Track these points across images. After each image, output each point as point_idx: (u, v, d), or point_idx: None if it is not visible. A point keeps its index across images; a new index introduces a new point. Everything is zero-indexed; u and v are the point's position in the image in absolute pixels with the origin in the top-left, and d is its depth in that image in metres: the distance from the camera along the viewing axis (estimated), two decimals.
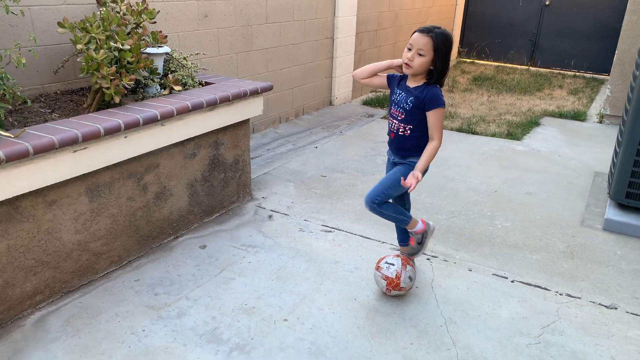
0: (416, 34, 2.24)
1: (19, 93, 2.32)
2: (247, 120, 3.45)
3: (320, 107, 5.99)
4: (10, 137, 2.14)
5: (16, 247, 2.23)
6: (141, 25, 3.02)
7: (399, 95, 2.37)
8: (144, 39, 2.99)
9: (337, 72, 5.97)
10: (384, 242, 3.09)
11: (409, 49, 2.25)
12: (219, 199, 3.38)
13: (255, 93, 3.35)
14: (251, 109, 3.40)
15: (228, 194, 3.45)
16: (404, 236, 2.72)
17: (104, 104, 2.81)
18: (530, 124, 5.62)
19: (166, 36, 3.12)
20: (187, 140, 2.99)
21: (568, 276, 2.80)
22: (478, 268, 2.85)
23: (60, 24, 2.72)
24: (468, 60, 9.66)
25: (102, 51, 2.62)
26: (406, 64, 2.27)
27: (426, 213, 3.47)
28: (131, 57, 2.73)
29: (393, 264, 2.49)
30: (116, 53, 2.72)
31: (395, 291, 2.50)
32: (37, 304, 2.38)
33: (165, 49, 3.06)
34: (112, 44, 2.69)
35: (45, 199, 2.30)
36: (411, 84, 2.36)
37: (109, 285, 2.58)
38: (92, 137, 2.33)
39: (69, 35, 2.92)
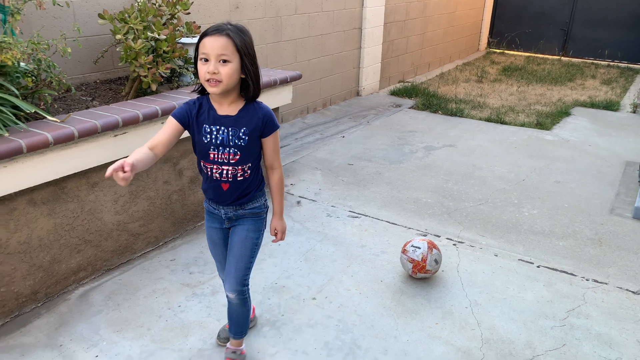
0: (206, 39, 1.59)
1: (64, 81, 2.46)
2: (277, 109, 3.54)
3: (347, 97, 6.04)
4: (57, 121, 2.28)
5: (62, 225, 2.37)
6: (176, 16, 3.13)
7: (218, 133, 1.71)
8: (178, 30, 3.10)
9: (364, 62, 6.01)
10: (410, 228, 3.14)
11: (205, 60, 1.60)
12: None
13: (284, 82, 3.43)
14: (281, 97, 3.49)
15: None
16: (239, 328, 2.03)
17: (141, 92, 2.94)
18: (561, 114, 5.55)
19: (199, 27, 3.22)
20: None
21: (595, 262, 2.81)
22: (504, 253, 2.88)
23: (100, 16, 2.85)
24: (498, 50, 9.54)
25: (139, 41, 2.74)
26: (211, 80, 1.60)
27: (453, 201, 3.51)
28: (167, 47, 2.85)
29: (419, 247, 2.55)
30: (153, 43, 2.84)
31: (421, 274, 2.56)
32: (80, 279, 2.53)
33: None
34: (149, 34, 2.81)
35: (88, 180, 2.44)
36: (226, 110, 1.71)
37: (147, 264, 2.71)
38: (131, 123, 2.45)
39: (109, 26, 3.05)
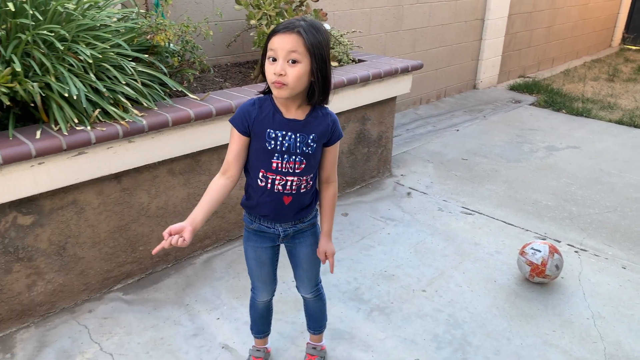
0: (275, 36, 1.42)
1: (204, 62, 2.65)
2: (394, 97, 3.53)
3: (463, 90, 5.86)
4: (197, 99, 2.47)
5: (194, 195, 2.58)
6: (305, 3, 3.23)
7: (284, 139, 1.53)
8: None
9: (484, 54, 5.78)
10: (527, 230, 3.00)
11: (273, 60, 1.43)
12: (361, 172, 3.53)
13: (405, 71, 3.41)
14: (399, 86, 3.47)
15: (369, 168, 3.58)
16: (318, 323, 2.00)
17: None
18: None
19: (327, 14, 3.30)
20: (339, 113, 3.16)
21: None
22: (633, 267, 2.66)
23: (237, 1, 3.03)
24: (633, 47, 8.69)
25: (272, 27, 2.87)
26: (278, 82, 1.42)
27: (576, 205, 3.29)
28: None
29: (540, 251, 2.43)
30: None
31: (539, 278, 2.44)
32: (205, 247, 2.73)
33: (327, 26, 3.24)
34: (281, 20, 2.93)
35: (219, 156, 2.62)
36: (294, 114, 1.53)
37: None
38: None
39: (243, 12, 3.23)
